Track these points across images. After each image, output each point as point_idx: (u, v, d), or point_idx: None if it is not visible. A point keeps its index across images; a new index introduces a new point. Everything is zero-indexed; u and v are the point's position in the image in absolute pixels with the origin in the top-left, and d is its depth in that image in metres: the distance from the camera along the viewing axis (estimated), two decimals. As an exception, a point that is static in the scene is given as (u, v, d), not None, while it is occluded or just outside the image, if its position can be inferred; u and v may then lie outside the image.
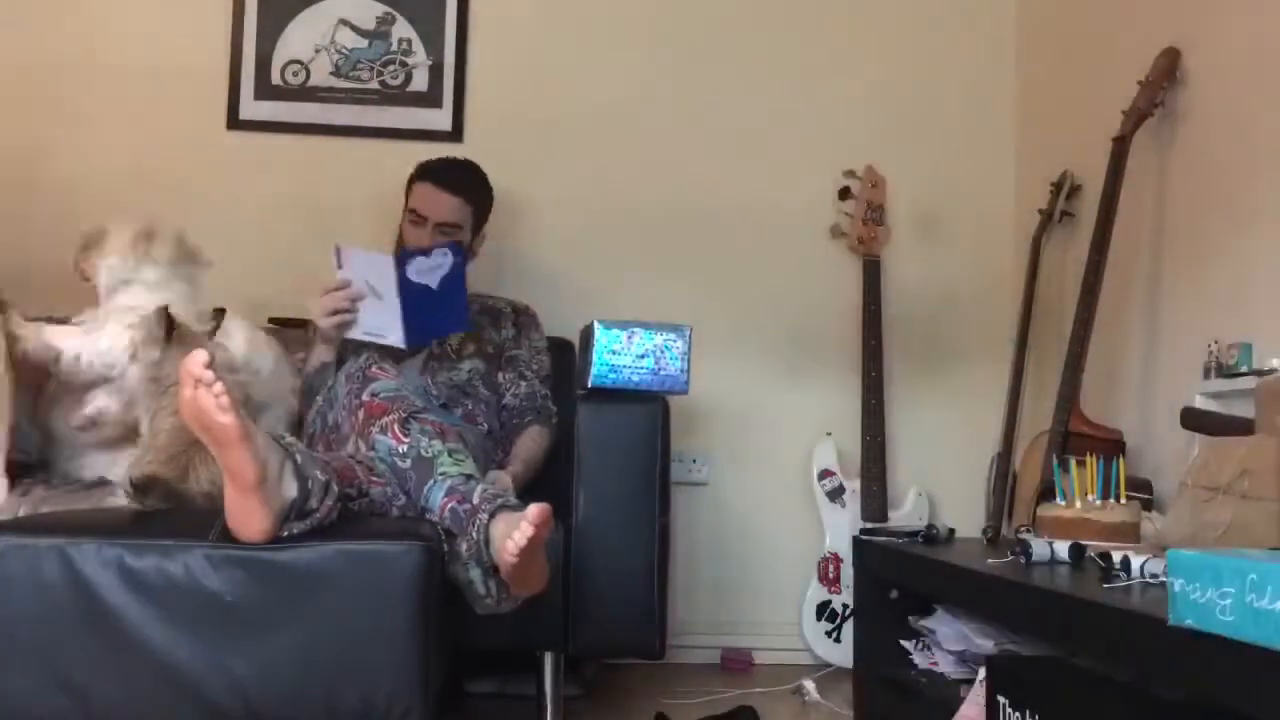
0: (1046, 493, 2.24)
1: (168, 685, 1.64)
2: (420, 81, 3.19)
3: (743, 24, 3.29)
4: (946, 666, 2.01)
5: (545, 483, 2.44)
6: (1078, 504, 1.90)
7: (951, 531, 2.41)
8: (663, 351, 2.31)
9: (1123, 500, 1.89)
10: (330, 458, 1.96)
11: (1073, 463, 1.96)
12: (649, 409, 2.35)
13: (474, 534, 1.86)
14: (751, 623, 3.12)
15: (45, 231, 3.02)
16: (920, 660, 2.09)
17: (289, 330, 2.77)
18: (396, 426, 2.01)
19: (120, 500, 1.97)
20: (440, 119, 3.16)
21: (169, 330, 2.05)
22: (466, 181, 2.70)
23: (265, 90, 3.16)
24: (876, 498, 3.03)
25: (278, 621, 1.66)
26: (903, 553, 2.15)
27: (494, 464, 2.40)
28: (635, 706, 2.53)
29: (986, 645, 1.88)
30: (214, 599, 1.65)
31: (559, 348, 2.73)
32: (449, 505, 1.92)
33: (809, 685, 2.70)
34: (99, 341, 2.07)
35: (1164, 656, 1.11)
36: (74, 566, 1.64)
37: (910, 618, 2.14)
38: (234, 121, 3.16)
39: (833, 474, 3.09)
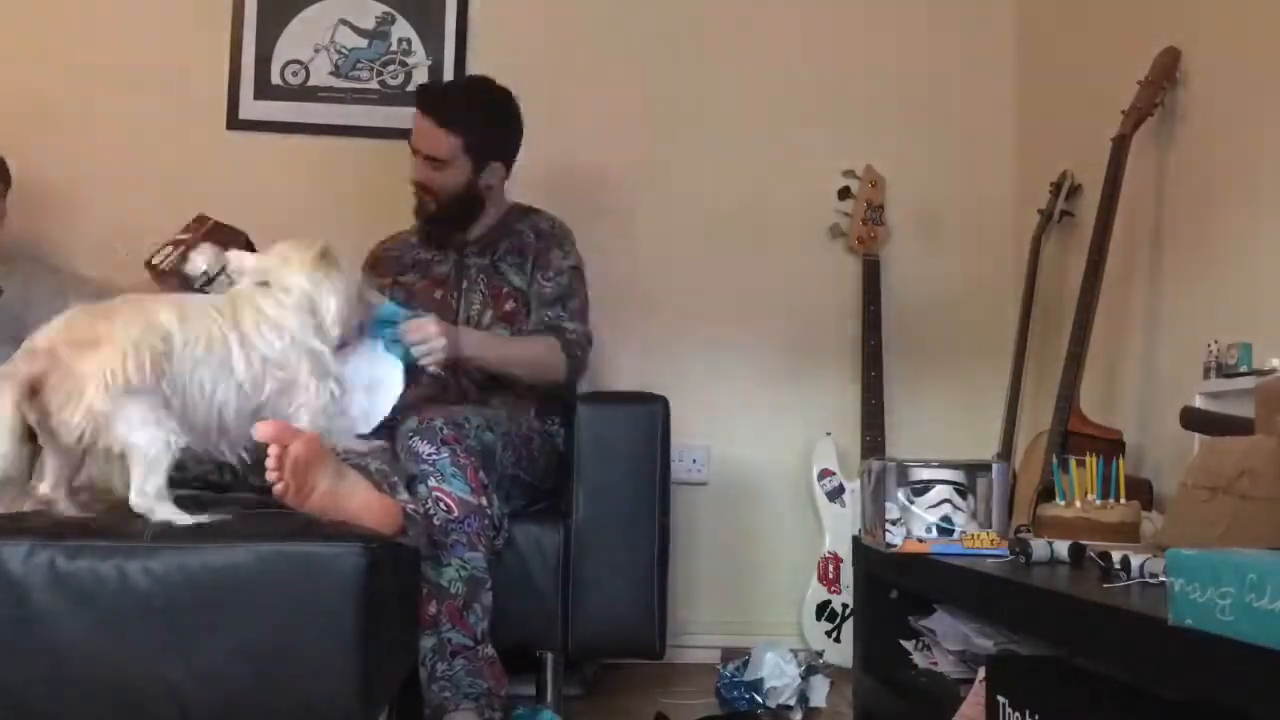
0: (1046, 493, 2.24)
1: (101, 690, 1.58)
2: (420, 81, 3.18)
3: (742, 24, 3.29)
4: (946, 666, 2.01)
5: (545, 482, 2.44)
6: (1078, 504, 1.90)
7: (951, 531, 2.40)
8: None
9: (1123, 500, 1.88)
10: None
11: (1073, 463, 1.96)
12: (649, 409, 2.35)
13: None
14: (751, 622, 3.12)
15: (46, 232, 3.03)
16: (920, 660, 2.09)
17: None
18: None
19: None
20: (440, 119, 3.16)
21: None
22: (458, 109, 2.50)
23: (265, 90, 3.16)
24: (876, 498, 3.03)
25: (213, 625, 1.59)
26: (902, 552, 2.15)
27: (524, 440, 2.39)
28: (635, 706, 2.53)
29: (986, 645, 1.88)
30: (148, 602, 1.58)
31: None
32: None
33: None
34: None
35: (1164, 656, 1.10)
36: (4, 568, 1.57)
37: (910, 618, 2.14)
38: (234, 121, 3.16)
39: (832, 474, 3.09)
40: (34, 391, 1.67)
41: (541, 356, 2.47)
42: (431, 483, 2.11)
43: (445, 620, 2.07)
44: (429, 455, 2.12)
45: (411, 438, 2.15)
